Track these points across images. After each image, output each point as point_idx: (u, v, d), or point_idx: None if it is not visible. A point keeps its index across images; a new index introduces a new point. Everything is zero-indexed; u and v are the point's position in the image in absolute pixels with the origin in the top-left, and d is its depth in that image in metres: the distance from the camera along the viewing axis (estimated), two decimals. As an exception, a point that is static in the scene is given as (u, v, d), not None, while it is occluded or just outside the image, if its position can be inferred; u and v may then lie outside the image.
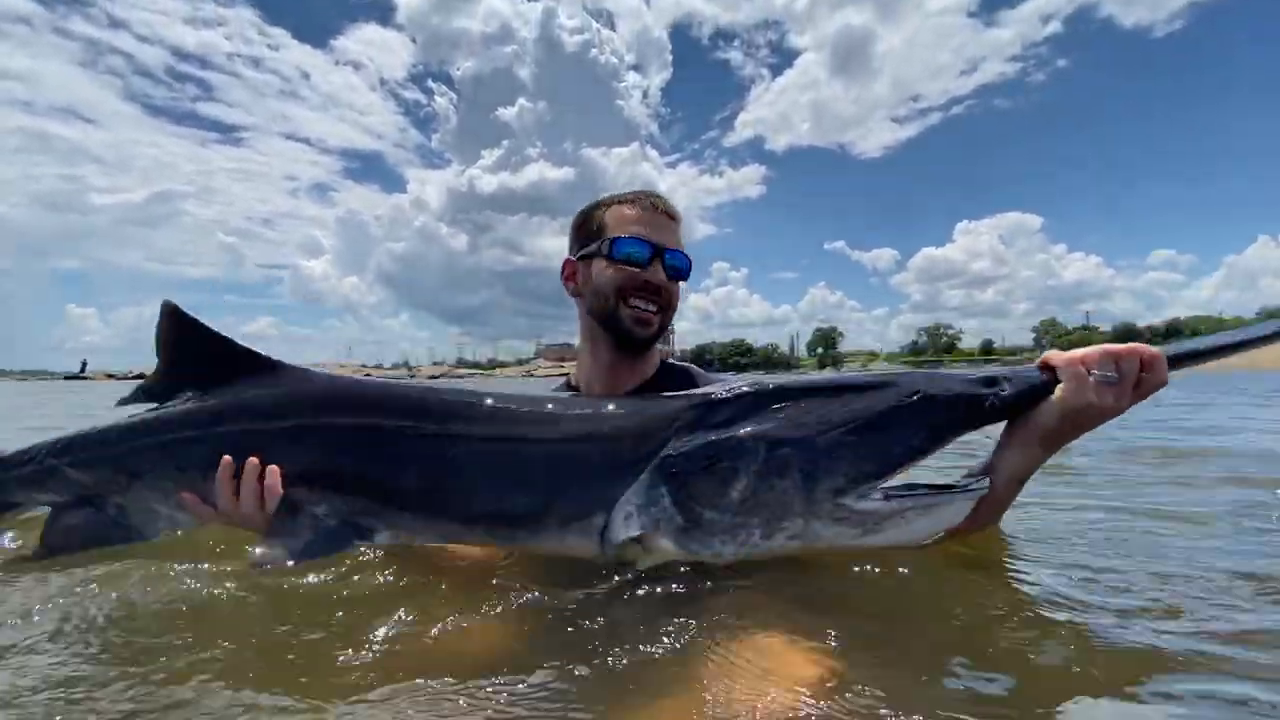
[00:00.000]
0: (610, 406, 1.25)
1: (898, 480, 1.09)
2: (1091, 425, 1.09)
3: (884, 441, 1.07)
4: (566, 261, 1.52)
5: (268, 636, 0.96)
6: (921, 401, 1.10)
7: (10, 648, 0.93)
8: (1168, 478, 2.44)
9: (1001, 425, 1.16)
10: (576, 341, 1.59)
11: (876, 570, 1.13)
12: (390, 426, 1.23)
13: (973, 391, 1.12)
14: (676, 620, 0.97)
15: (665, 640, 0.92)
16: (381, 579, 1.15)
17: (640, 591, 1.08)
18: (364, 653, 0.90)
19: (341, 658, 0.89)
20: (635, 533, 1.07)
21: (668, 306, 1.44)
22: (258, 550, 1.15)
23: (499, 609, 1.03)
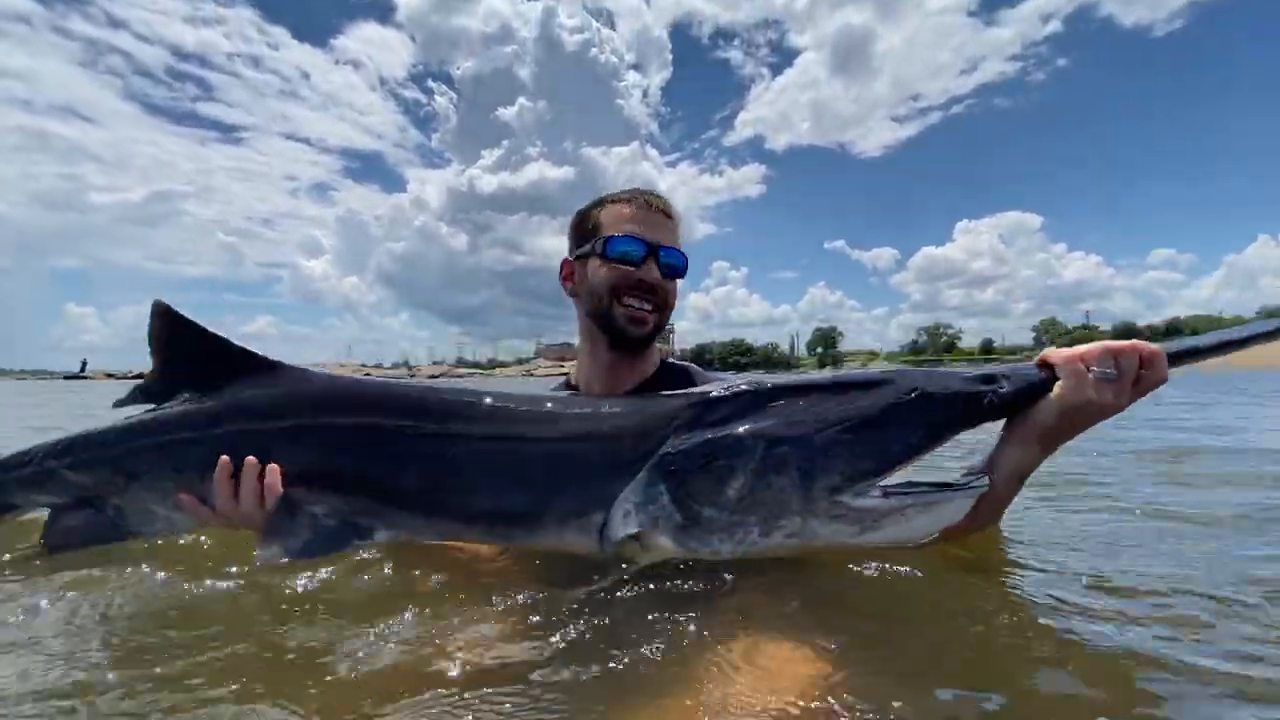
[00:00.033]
0: (609, 405, 1.25)
1: (897, 478, 1.08)
2: (1091, 423, 1.09)
3: (882, 439, 1.07)
4: (564, 261, 1.52)
5: (267, 637, 0.96)
6: (919, 399, 1.10)
7: (10, 648, 0.93)
8: (1168, 478, 2.43)
9: (1001, 423, 1.15)
10: (576, 341, 1.59)
11: (875, 571, 1.13)
12: (389, 426, 1.23)
13: (971, 389, 1.11)
14: (676, 620, 0.97)
15: (665, 640, 0.92)
16: (381, 579, 1.15)
17: (640, 591, 1.08)
18: (363, 653, 0.90)
19: (341, 658, 0.89)
20: (634, 530, 1.07)
21: (663, 305, 1.44)
22: (258, 550, 1.15)
23: (498, 609, 1.03)
